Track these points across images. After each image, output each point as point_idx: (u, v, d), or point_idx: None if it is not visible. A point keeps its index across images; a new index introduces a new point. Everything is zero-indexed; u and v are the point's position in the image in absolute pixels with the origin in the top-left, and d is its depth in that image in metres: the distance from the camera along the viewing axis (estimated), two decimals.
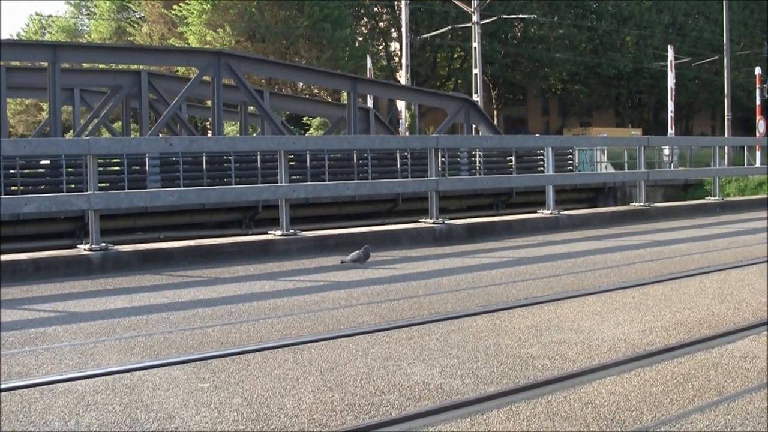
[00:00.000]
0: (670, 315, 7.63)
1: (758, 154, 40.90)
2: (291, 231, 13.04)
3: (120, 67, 32.48)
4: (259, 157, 25.96)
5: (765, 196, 24.92)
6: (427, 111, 61.77)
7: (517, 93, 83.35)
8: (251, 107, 33.09)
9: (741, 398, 5.14)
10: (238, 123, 36.75)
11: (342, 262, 11.24)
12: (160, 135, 30.37)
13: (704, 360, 6.06)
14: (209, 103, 32.63)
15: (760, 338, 6.71)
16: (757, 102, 44.49)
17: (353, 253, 11.23)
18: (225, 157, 25.78)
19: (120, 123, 38.57)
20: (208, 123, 58.08)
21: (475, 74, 48.38)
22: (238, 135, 39.78)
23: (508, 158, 32.77)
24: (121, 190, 20.90)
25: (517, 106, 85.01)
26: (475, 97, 45.26)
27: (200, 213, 24.02)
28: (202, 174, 25.28)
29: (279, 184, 13.29)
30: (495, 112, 73.99)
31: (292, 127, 40.60)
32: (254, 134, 38.01)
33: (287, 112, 51.33)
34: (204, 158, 25.37)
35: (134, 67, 30.89)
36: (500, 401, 5.15)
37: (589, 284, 9.48)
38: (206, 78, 28.17)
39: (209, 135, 47.34)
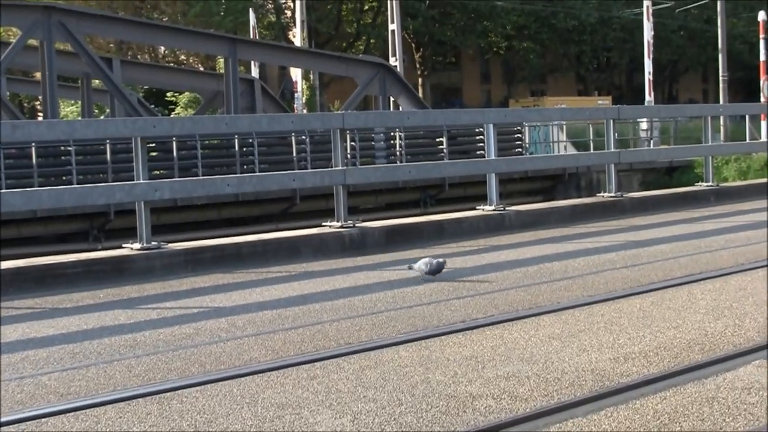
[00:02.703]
0: (650, 336, 7.76)
1: (764, 124, 41.41)
2: (154, 243, 12.92)
3: None
4: (108, 146, 25.69)
5: None
6: (330, 81, 61.77)
7: (448, 55, 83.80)
8: (96, 80, 32.72)
9: None
10: (80, 102, 36.33)
11: (410, 267, 11.25)
12: None
13: (696, 394, 6.17)
14: (38, 75, 32.18)
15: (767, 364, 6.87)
16: (762, 57, 44.79)
17: (426, 261, 11.19)
18: (62, 148, 25.49)
19: None
20: (38, 103, 57.26)
21: (392, 31, 48.53)
22: (79, 118, 39.32)
23: (438, 140, 32.96)
24: None
25: (449, 72, 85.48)
26: (392, 62, 45.39)
27: (31, 223, 23.72)
28: (31, 171, 24.96)
29: (135, 182, 13.17)
30: (420, 81, 74.24)
31: (152, 106, 40.29)
32: (101, 116, 37.60)
33: (145, 87, 50.89)
34: (33, 150, 25.03)
35: None
36: None
37: (544, 300, 9.59)
38: (33, 41, 27.79)
39: (40, 119, 46.72)
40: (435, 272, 11.02)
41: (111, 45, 53.10)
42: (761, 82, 43.81)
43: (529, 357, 7.19)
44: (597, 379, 6.53)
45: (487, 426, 5.59)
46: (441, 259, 11.19)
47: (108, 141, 25.34)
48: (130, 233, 13.83)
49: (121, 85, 30.58)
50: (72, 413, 6.17)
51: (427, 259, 11.17)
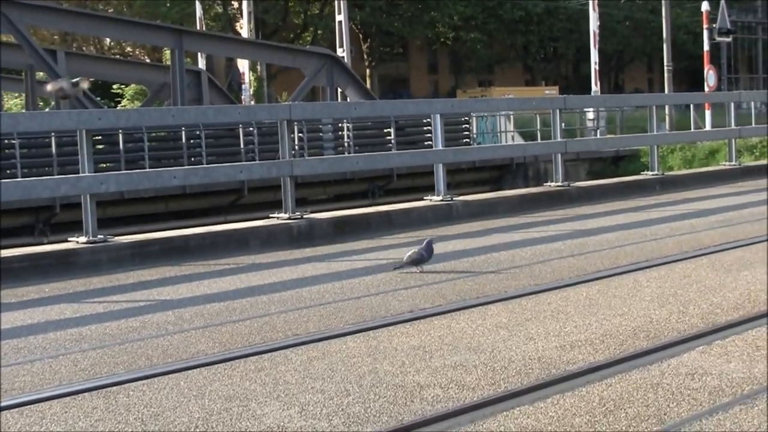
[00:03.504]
0: (596, 324, 7.81)
1: (708, 114, 41.82)
2: (100, 237, 12.84)
3: None
4: (53, 139, 25.51)
5: (715, 168, 25.66)
6: (278, 72, 61.66)
7: (395, 45, 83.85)
8: (40, 73, 32.46)
9: (688, 427, 5.30)
10: (24, 95, 36.02)
11: (395, 269, 10.92)
12: None
13: (641, 380, 6.22)
14: None
15: (710, 349, 6.93)
16: (705, 48, 45.37)
17: (412, 252, 10.88)
18: (6, 141, 25.27)
19: None
20: None
21: (340, 22, 48.45)
22: (23, 111, 39.00)
23: (386, 131, 32.98)
24: None
25: (397, 63, 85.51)
26: (340, 53, 45.32)
27: None
28: None
29: (81, 175, 13.08)
30: (367, 71, 74.19)
31: (97, 99, 39.99)
32: (46, 109, 37.32)
33: (91, 79, 50.50)
34: None
35: None
36: None
37: (491, 289, 9.63)
38: None
39: None
40: (418, 262, 10.82)
41: (55, 36, 52.70)
42: (705, 72, 44.22)
43: (476, 346, 7.21)
44: (544, 367, 6.56)
45: (434, 415, 5.60)
46: (416, 249, 10.93)
47: (53, 134, 25.16)
48: (76, 227, 13.75)
49: (66, 77, 30.33)
50: (16, 409, 6.11)
51: (414, 252, 10.90)
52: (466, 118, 35.70)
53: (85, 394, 6.39)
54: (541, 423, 5.43)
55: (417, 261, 10.77)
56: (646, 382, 6.14)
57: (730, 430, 5.19)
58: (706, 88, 43.62)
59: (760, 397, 5.74)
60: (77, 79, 10.38)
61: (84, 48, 57.07)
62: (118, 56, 56.28)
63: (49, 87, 12.79)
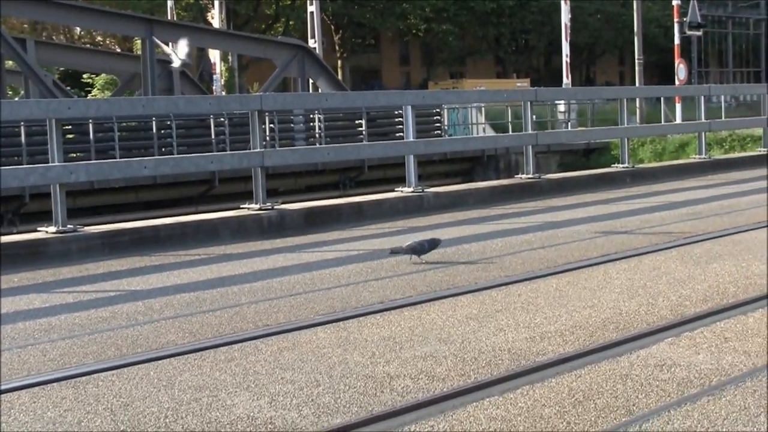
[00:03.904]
0: (566, 316, 7.84)
1: (678, 107, 41.94)
2: (70, 226, 12.79)
3: None
4: (23, 129, 25.38)
5: (685, 161, 25.77)
6: (249, 63, 61.52)
7: (367, 37, 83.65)
8: (10, 61, 32.28)
9: (657, 418, 5.33)
10: None
11: (392, 252, 10.95)
12: None
13: (610, 371, 6.25)
14: None
15: (679, 341, 6.97)
16: (676, 41, 45.51)
17: (413, 241, 10.92)
18: None
19: None
20: None
21: (311, 13, 48.37)
22: None
23: (357, 122, 32.97)
24: None
25: (368, 54, 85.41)
26: (311, 44, 45.27)
27: None
28: None
29: (50, 164, 13.02)
30: (339, 63, 74.16)
31: (68, 88, 39.83)
32: (15, 98, 37.13)
33: (61, 68, 50.31)
34: None
35: None
36: None
37: (462, 281, 9.65)
38: None
39: None
40: (417, 251, 10.79)
41: (25, 25, 52.41)
42: (676, 65, 44.37)
43: (446, 337, 7.23)
44: (513, 359, 6.58)
45: (404, 406, 5.61)
46: (419, 240, 11.03)
47: (22, 123, 25.03)
48: (46, 217, 13.69)
49: (36, 66, 30.19)
50: None
51: (416, 243, 10.93)
52: (438, 110, 35.70)
53: (54, 384, 6.38)
54: (511, 414, 5.45)
55: (415, 250, 10.77)
56: (616, 374, 6.17)
57: (698, 420, 5.22)
58: (677, 82, 43.78)
59: (727, 388, 5.77)
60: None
61: (54, 37, 56.79)
62: (88, 45, 56.04)
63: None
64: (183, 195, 28.17)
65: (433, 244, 10.88)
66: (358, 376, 6.27)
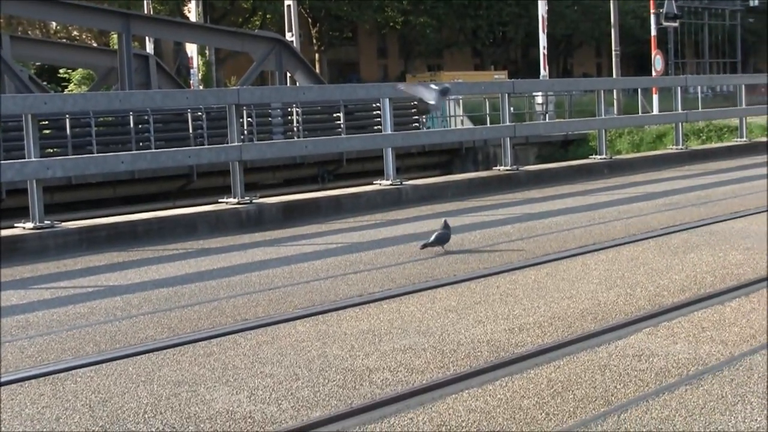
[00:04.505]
0: (545, 307, 7.85)
1: (655, 98, 42.03)
2: (47, 222, 12.76)
3: None
4: None
5: (663, 151, 25.82)
6: (227, 56, 61.37)
7: (344, 30, 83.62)
8: None
9: (635, 407, 5.34)
10: None
11: (424, 246, 10.90)
12: None
13: (588, 362, 6.28)
14: None
15: (657, 331, 7.00)
16: (653, 32, 45.58)
17: (439, 233, 10.87)
18: None
19: None
20: None
21: (288, 6, 48.29)
22: None
23: (335, 115, 32.94)
24: None
25: (346, 47, 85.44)
26: (289, 37, 45.14)
27: None
28: None
29: (27, 160, 12.98)
30: (317, 56, 74.00)
31: (44, 83, 39.71)
32: None
33: (37, 63, 50.11)
34: None
35: None
36: (328, 429, 5.20)
37: (440, 273, 9.66)
38: None
39: None
40: (444, 241, 10.86)
41: (1, 20, 52.17)
42: (652, 56, 44.50)
43: (425, 330, 7.24)
44: (492, 350, 6.59)
45: (383, 398, 5.62)
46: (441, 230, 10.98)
47: None
48: (23, 213, 13.63)
49: (12, 61, 30.07)
50: None
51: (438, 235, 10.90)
52: (415, 103, 35.70)
53: (32, 380, 6.36)
54: (490, 405, 5.46)
55: (441, 240, 10.81)
56: (594, 364, 6.19)
57: (676, 410, 5.24)
58: (654, 73, 43.87)
59: (705, 377, 5.80)
60: (444, 84, 9.86)
61: (29, 32, 56.60)
62: (64, 40, 55.80)
63: (402, 87, 12.67)
64: (161, 190, 28.11)
65: (448, 227, 10.96)
66: (337, 370, 6.27)
